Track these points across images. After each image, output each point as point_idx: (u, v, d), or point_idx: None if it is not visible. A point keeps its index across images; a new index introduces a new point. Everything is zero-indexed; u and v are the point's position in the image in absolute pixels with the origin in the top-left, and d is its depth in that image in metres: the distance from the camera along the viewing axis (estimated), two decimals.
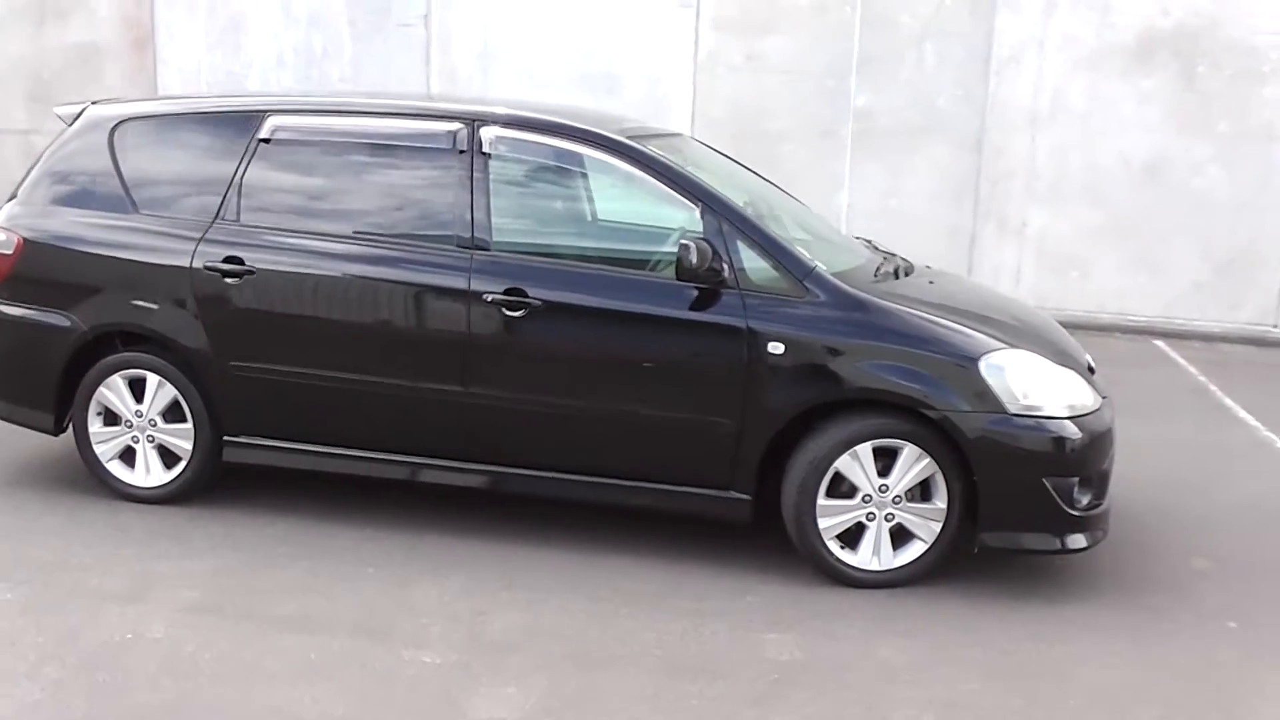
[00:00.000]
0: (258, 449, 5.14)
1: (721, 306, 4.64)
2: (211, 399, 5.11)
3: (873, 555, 4.69)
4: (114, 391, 5.20)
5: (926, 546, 4.67)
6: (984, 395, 4.52)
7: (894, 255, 5.46)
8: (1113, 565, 5.01)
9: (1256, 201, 10.25)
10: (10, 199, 5.44)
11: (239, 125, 5.17)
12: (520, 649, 4.10)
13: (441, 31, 11.41)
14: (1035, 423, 4.53)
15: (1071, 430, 4.55)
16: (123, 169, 5.23)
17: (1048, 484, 4.53)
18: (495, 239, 4.85)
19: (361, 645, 4.07)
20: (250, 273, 4.97)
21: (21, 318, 5.28)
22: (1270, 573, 5.05)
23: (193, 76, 11.92)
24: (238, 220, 5.07)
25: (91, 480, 5.36)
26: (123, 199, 5.20)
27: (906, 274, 5.20)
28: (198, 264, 5.03)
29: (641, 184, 4.87)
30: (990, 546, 4.63)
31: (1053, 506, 4.55)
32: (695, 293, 4.67)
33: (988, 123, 10.56)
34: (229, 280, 4.99)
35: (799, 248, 4.80)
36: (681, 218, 4.90)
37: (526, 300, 4.73)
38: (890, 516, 4.65)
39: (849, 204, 10.80)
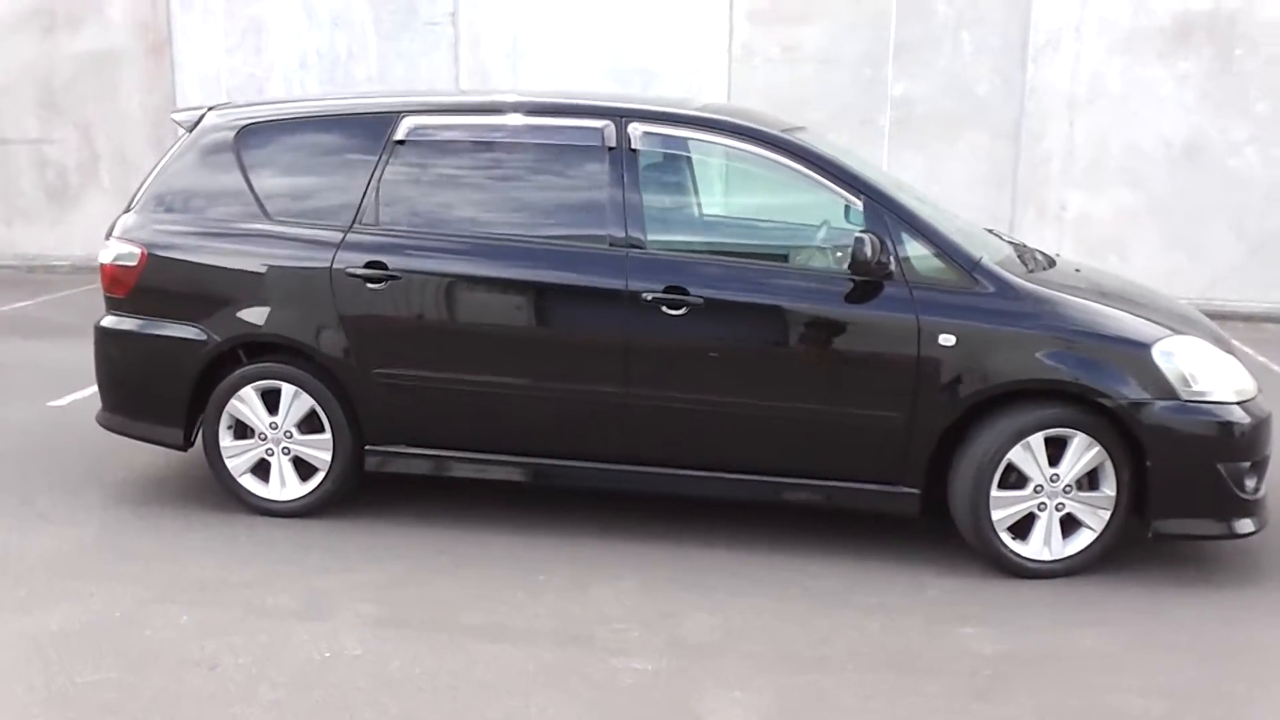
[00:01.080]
0: (403, 457, 5.03)
1: (890, 300, 4.60)
2: (353, 408, 5.00)
3: (1044, 545, 4.67)
4: (247, 404, 5.07)
5: (1095, 535, 4.66)
6: (1157, 382, 4.51)
7: (1026, 245, 5.44)
8: (1259, 548, 5.00)
9: None
10: (126, 210, 5.28)
11: (372, 126, 5.05)
12: (726, 652, 4.04)
13: (470, 30, 11.28)
14: (1207, 408, 4.54)
15: (1240, 415, 4.56)
16: (251, 175, 5.10)
17: (1221, 469, 4.53)
18: (650, 237, 4.78)
19: (567, 653, 3.99)
20: (395, 277, 4.87)
21: (148, 332, 5.14)
22: None
23: (212, 81, 11.70)
24: (377, 224, 4.96)
25: (220, 495, 5.24)
26: (253, 205, 5.06)
27: (1051, 264, 5.19)
28: (338, 270, 4.91)
29: (799, 177, 4.81)
30: (1164, 533, 4.62)
31: (1225, 491, 4.55)
32: (860, 286, 4.63)
33: (1026, 109, 10.60)
34: (372, 285, 4.88)
35: (962, 239, 4.77)
36: (830, 209, 4.87)
37: (688, 298, 4.67)
38: (1061, 506, 4.64)
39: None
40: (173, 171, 5.21)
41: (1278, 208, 10.41)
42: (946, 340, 4.55)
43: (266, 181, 5.10)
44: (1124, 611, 4.43)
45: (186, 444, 5.22)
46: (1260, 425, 4.62)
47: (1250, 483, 4.61)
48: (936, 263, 4.66)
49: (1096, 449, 4.57)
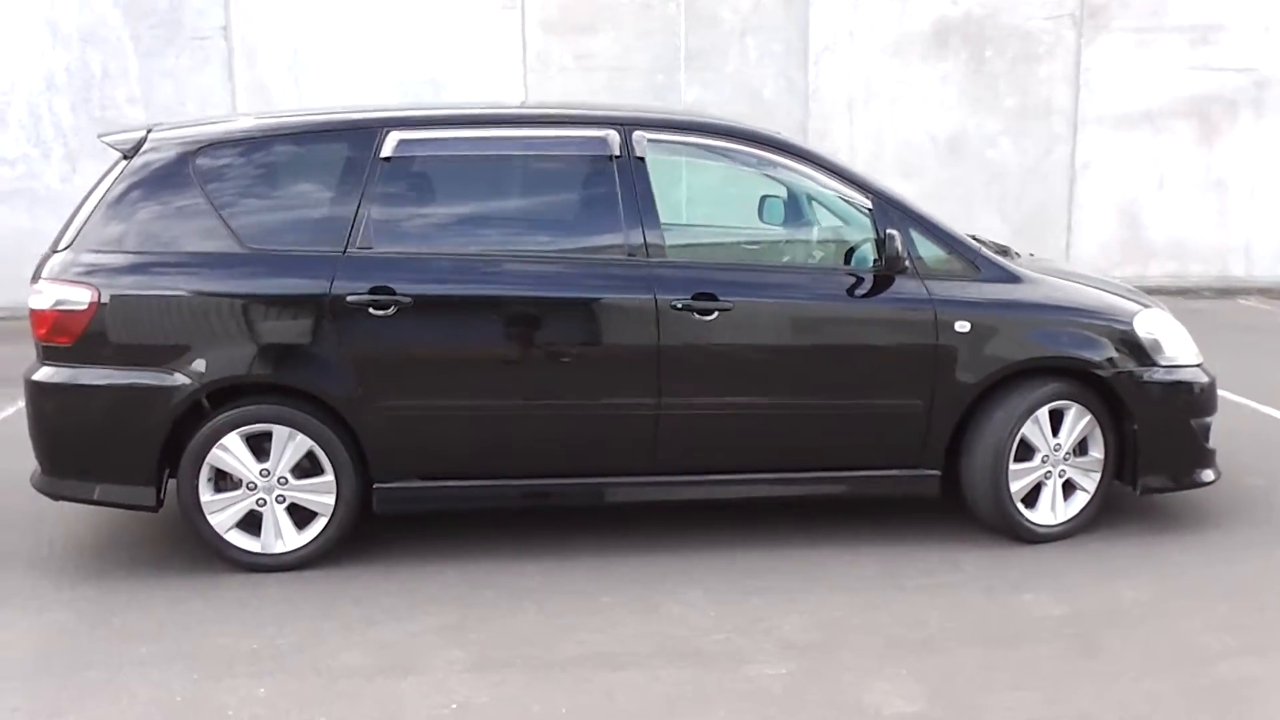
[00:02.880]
0: (417, 493, 4.73)
1: (908, 293, 4.79)
2: (359, 445, 4.65)
3: (1050, 511, 5.01)
4: (231, 451, 4.61)
5: (1089, 497, 5.05)
6: (1140, 352, 4.95)
7: (975, 236, 5.76)
8: (1180, 495, 5.49)
9: (1040, 168, 11.53)
10: (55, 249, 4.65)
11: (351, 143, 4.71)
12: (837, 647, 4.09)
13: (244, 43, 10.63)
14: (1179, 371, 5.03)
15: (1202, 375, 5.09)
16: (216, 201, 4.62)
17: (1193, 425, 5.03)
18: (668, 244, 4.74)
19: (694, 670, 3.92)
20: (405, 302, 4.56)
21: (103, 382, 4.56)
22: None
23: None
24: (371, 247, 4.63)
25: (188, 556, 4.79)
26: (223, 234, 4.59)
27: (1013, 252, 5.52)
28: (337, 297, 4.55)
29: (806, 179, 4.94)
30: (1149, 488, 5.07)
31: (1196, 446, 5.07)
32: (878, 281, 4.79)
33: (810, 109, 11.20)
34: (378, 312, 4.56)
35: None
36: (830, 210, 5.04)
37: (718, 303, 4.67)
38: (1063, 473, 4.99)
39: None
40: (118, 201, 4.63)
41: (1031, 191, 11.54)
42: (962, 327, 4.79)
43: (234, 205, 4.64)
44: (1137, 563, 4.83)
45: (159, 504, 4.67)
46: (1214, 383, 5.16)
47: (1210, 436, 5.13)
48: (941, 254, 4.90)
49: (1088, 417, 4.95)
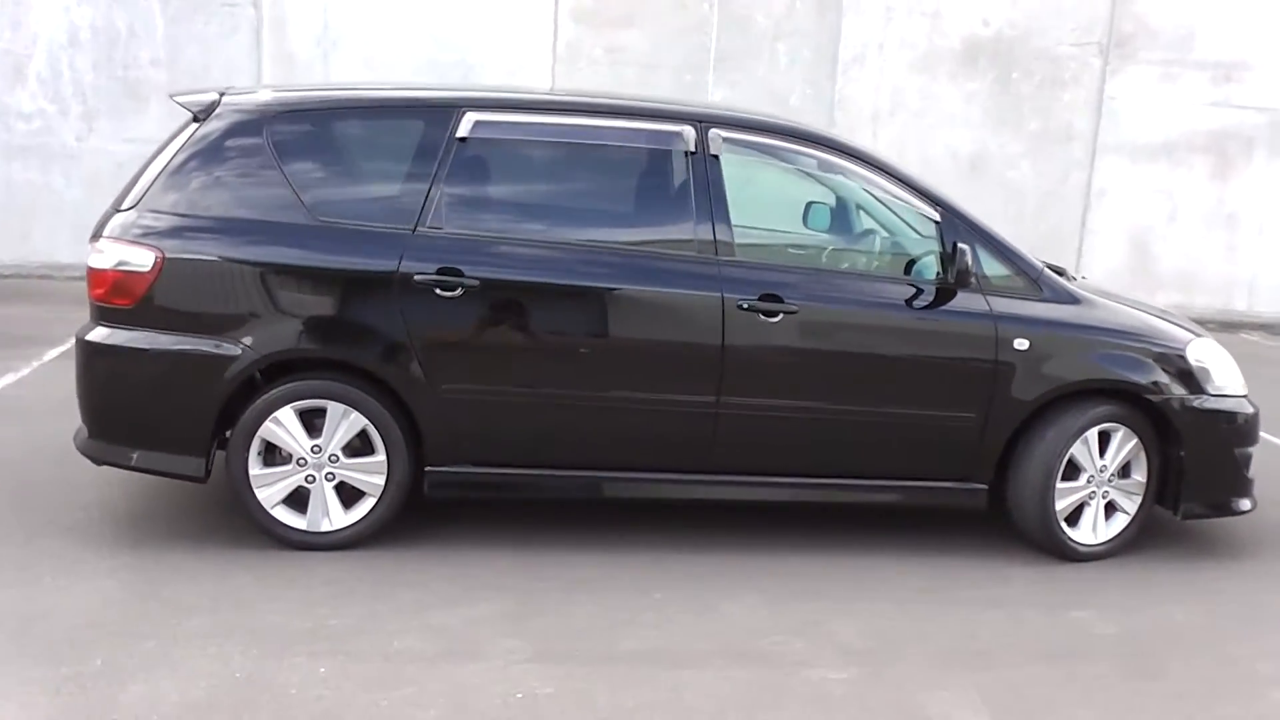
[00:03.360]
0: (470, 478, 4.69)
1: (970, 307, 4.80)
2: (416, 426, 4.61)
3: (1091, 531, 5.03)
4: (284, 426, 4.56)
5: (1129, 519, 5.08)
6: (1190, 379, 4.99)
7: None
8: (1203, 522, 5.50)
9: (1058, 192, 11.58)
10: (119, 208, 4.59)
11: (427, 121, 4.68)
12: (896, 656, 4.09)
13: (275, 12, 10.54)
14: (1227, 400, 5.06)
15: (1248, 406, 5.13)
16: (287, 170, 4.57)
17: (1236, 455, 5.06)
18: (738, 243, 4.72)
19: (756, 670, 3.91)
20: (472, 285, 4.53)
21: (160, 347, 4.49)
22: None
23: None
24: (442, 228, 4.59)
25: (230, 530, 4.73)
26: (292, 204, 4.54)
27: (1068, 273, 5.54)
28: (405, 275, 4.50)
29: (876, 187, 4.94)
30: (1191, 515, 5.10)
31: (1237, 474, 5.11)
32: (941, 295, 4.80)
33: (835, 119, 11.19)
34: (445, 293, 4.52)
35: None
36: (896, 220, 5.05)
37: (783, 305, 4.66)
38: (1106, 494, 5.01)
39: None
40: (186, 164, 4.56)
41: (1047, 214, 11.59)
42: (1021, 344, 4.80)
43: (305, 176, 4.59)
44: (1182, 587, 4.87)
45: (208, 475, 4.61)
46: (1257, 414, 5.20)
47: (1251, 466, 5.17)
48: (1004, 271, 4.91)
49: (1135, 440, 4.98)
